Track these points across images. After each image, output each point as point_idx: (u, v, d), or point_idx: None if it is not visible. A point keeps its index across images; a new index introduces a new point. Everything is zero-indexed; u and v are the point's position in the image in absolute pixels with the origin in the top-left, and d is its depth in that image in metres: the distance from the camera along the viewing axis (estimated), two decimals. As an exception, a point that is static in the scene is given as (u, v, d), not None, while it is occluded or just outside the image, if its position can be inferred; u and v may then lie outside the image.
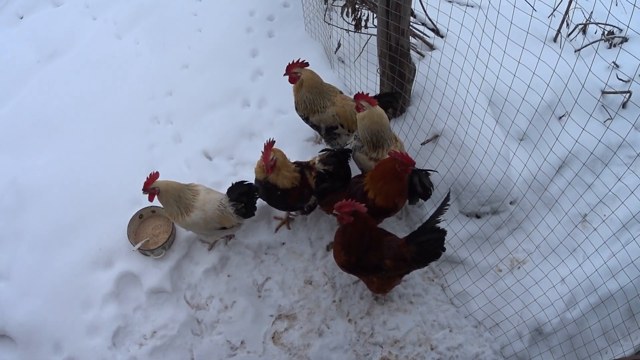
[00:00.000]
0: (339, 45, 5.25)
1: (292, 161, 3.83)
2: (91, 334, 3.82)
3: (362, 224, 3.27)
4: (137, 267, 4.03)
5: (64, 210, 4.26)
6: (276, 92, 4.92)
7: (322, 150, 4.03)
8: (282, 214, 4.31)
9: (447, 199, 3.36)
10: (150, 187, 3.53)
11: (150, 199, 3.61)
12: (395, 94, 4.25)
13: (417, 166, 3.70)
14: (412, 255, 3.38)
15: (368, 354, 3.95)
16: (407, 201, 3.89)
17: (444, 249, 3.40)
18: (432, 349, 3.96)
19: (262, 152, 3.50)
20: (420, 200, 4.00)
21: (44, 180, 4.44)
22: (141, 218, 4.21)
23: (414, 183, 3.72)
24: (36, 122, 4.90)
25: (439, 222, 3.36)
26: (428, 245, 3.36)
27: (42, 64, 5.47)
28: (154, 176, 3.56)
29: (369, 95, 3.68)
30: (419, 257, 3.39)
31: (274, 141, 3.53)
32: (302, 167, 3.83)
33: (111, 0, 6.02)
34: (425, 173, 3.76)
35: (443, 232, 3.36)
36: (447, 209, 3.37)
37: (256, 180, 3.78)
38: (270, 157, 3.48)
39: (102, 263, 4.04)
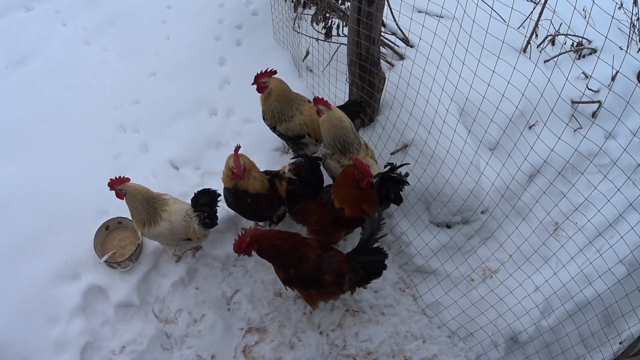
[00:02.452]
0: (307, 53, 5.22)
1: (262, 170, 3.77)
2: (58, 350, 3.69)
3: (269, 243, 3.23)
4: (104, 280, 3.93)
5: (29, 221, 4.14)
6: (244, 101, 4.88)
7: (294, 157, 4.00)
8: (249, 224, 4.24)
9: (380, 215, 3.31)
10: (118, 187, 3.46)
11: (118, 197, 3.52)
12: (363, 102, 4.22)
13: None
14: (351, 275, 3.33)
15: (341, 367, 3.91)
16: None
17: (385, 267, 3.36)
18: (405, 360, 3.94)
19: (232, 159, 3.43)
20: (392, 206, 3.95)
21: (8, 191, 4.32)
22: (107, 229, 4.11)
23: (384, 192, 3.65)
24: (1, 130, 4.79)
25: (379, 240, 3.32)
26: (370, 266, 3.33)
27: (11, 70, 5.38)
28: (123, 179, 3.47)
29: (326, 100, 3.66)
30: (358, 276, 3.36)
31: (240, 146, 3.47)
32: (272, 175, 3.78)
33: (82, 6, 5.99)
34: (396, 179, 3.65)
35: (384, 255, 3.32)
36: (384, 224, 3.33)
37: (225, 189, 3.72)
38: (241, 163, 3.43)
39: (68, 276, 3.92)
